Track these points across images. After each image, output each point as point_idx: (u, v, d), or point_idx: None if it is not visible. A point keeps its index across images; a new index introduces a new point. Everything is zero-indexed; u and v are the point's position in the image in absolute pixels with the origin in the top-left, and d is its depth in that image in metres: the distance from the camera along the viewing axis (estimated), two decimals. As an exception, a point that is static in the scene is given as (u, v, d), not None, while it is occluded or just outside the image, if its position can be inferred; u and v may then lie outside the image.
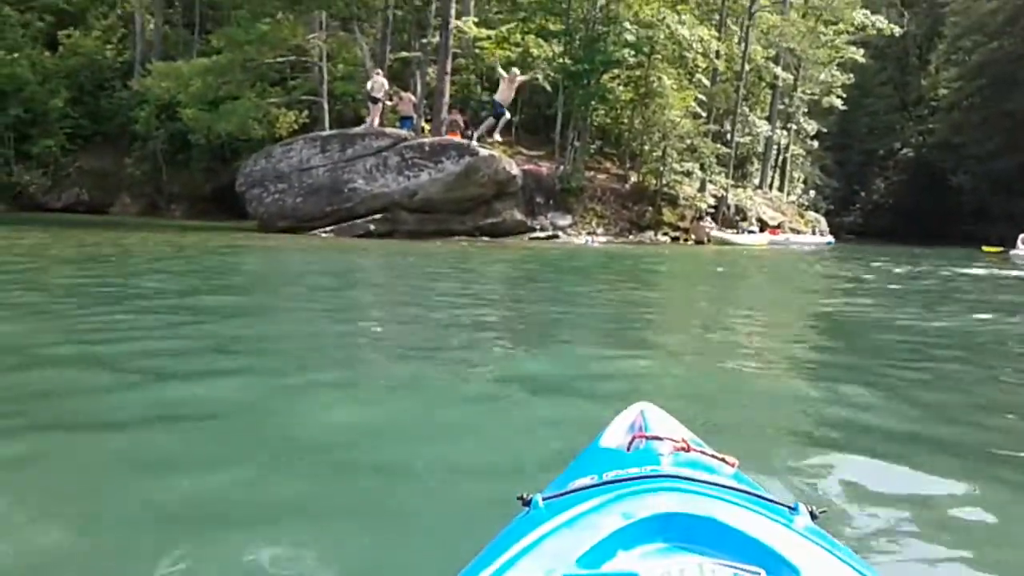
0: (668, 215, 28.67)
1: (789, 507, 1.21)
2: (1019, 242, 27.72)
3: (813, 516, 1.20)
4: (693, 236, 28.16)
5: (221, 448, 3.03)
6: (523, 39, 27.98)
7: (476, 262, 14.72)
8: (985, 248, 28.48)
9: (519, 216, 23.71)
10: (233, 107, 24.81)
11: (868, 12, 38.12)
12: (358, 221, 21.46)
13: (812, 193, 47.29)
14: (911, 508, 2.52)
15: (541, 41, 27.87)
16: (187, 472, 2.72)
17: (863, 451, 3.13)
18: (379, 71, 23.63)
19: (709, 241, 27.59)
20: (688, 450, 1.41)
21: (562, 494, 1.26)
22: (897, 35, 41.40)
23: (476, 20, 27.85)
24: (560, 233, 24.59)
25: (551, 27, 28.44)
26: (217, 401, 3.70)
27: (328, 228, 21.24)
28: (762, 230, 31.23)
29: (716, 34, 30.29)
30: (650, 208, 28.33)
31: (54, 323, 5.86)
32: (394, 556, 2.13)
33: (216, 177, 29.83)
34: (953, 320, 8.38)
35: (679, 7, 29.52)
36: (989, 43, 49.40)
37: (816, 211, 42.51)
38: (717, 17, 32.54)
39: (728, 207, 31.06)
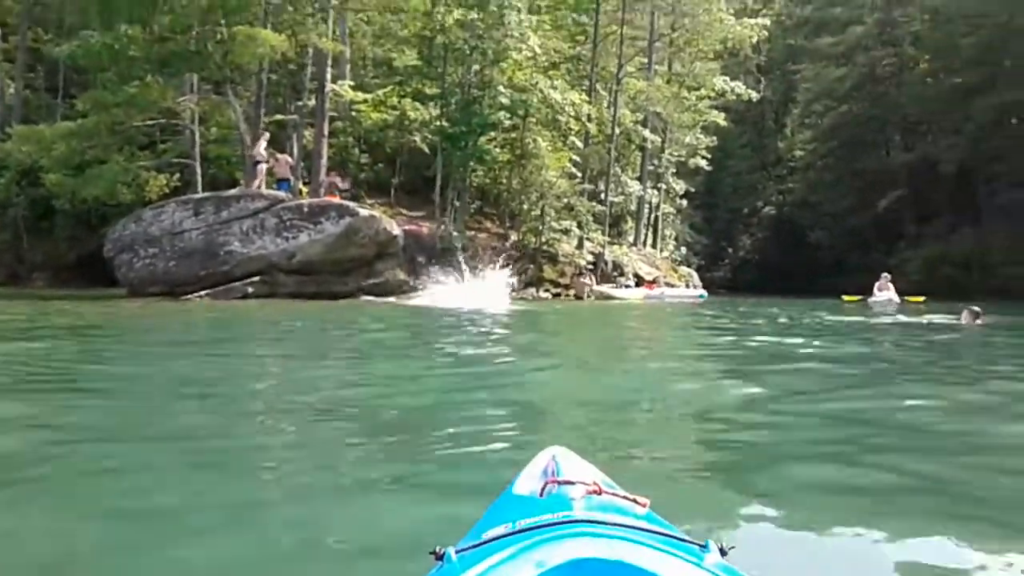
0: (549, 272, 29.18)
1: (700, 545, 1.22)
2: (875, 290, 29.40)
3: (723, 552, 1.22)
4: (574, 291, 28.70)
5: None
6: (400, 102, 28.31)
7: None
8: (845, 297, 30.01)
9: (401, 276, 23.63)
10: (100, 171, 23.93)
11: (727, 78, 40.33)
12: (235, 284, 20.94)
13: (683, 249, 49.03)
14: (818, 541, 2.59)
15: (418, 104, 28.27)
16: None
17: (768, 485, 3.21)
18: (265, 134, 23.44)
19: (590, 296, 28.11)
20: (600, 493, 1.42)
21: (475, 545, 1.25)
22: (755, 100, 43.88)
23: (352, 84, 28.03)
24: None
25: (427, 91, 28.93)
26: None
27: (203, 292, 20.62)
28: (638, 284, 32.10)
29: (587, 98, 31.42)
30: (531, 265, 28.78)
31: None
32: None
33: (81, 244, 28.53)
34: (837, 345, 8.83)
35: (551, 72, 30.57)
36: (839, 107, 52.79)
37: (688, 266, 44.03)
38: (587, 82, 33.75)
39: (606, 263, 31.85)
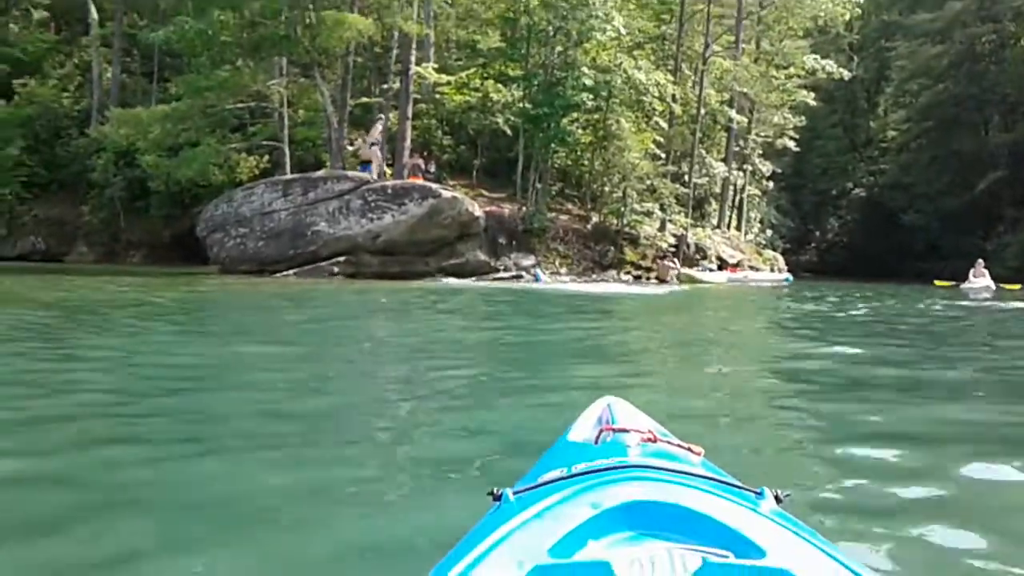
0: (630, 254, 28.95)
1: (755, 492, 1.23)
2: (970, 276, 28.36)
3: (778, 500, 1.22)
4: (656, 274, 28.41)
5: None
6: (483, 84, 28.34)
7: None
8: (937, 282, 29.05)
9: (482, 257, 23.80)
10: (193, 153, 24.66)
11: (818, 57, 39.16)
12: (322, 264, 21.40)
13: (769, 232, 47.99)
14: (876, 493, 2.57)
15: (500, 86, 28.25)
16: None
17: (829, 440, 3.18)
18: (381, 117, 24.03)
19: (679, 280, 27.70)
20: (655, 441, 1.44)
21: (532, 488, 1.27)
22: (846, 79, 42.52)
23: (436, 66, 28.16)
24: (523, 273, 24.66)
25: (510, 72, 28.85)
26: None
27: (291, 271, 21.12)
28: (721, 268, 31.59)
29: (672, 79, 30.93)
30: (612, 247, 28.60)
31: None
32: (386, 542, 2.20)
33: (175, 223, 29.52)
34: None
35: (635, 53, 30.19)
36: (934, 86, 50.81)
37: (773, 250, 43.12)
38: (672, 62, 33.23)
39: (688, 246, 31.42)
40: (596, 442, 1.50)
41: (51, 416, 3.98)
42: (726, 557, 1.01)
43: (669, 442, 1.45)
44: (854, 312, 14.45)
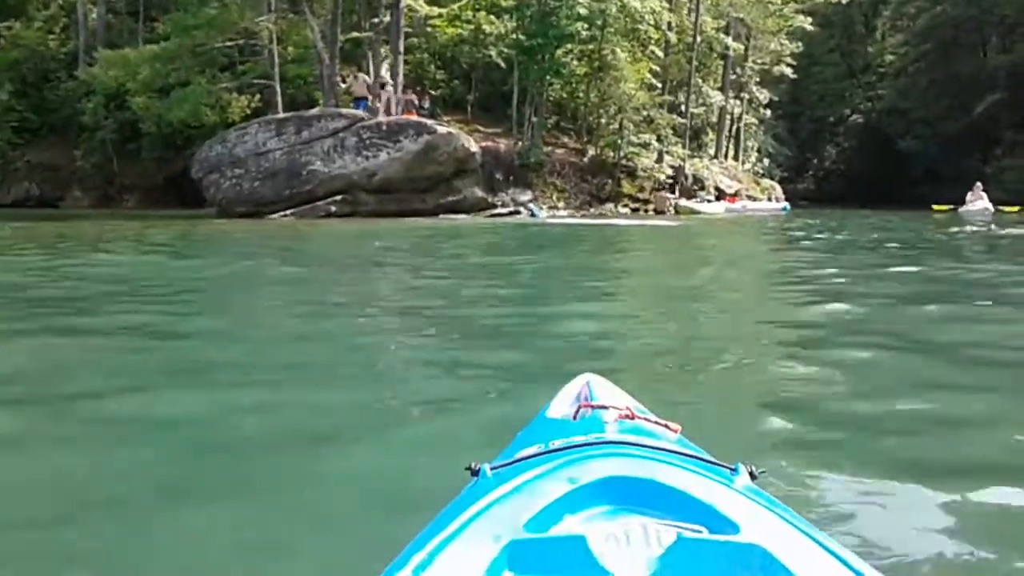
0: (627, 187, 28.83)
1: (730, 468, 1.23)
2: (967, 199, 28.28)
3: (753, 476, 1.23)
4: (654, 207, 28.32)
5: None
6: (475, 16, 27.85)
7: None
8: (935, 207, 28.97)
9: (480, 193, 23.67)
10: (184, 94, 24.33)
11: (815, -21, 38.51)
12: (318, 203, 21.29)
13: (766, 161, 47.71)
14: (850, 470, 2.51)
15: (493, 18, 27.77)
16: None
17: (805, 416, 3.12)
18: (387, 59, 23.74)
19: (676, 211, 27.62)
20: (632, 418, 1.44)
21: (509, 463, 1.28)
22: (844, 2, 41.86)
23: (427, -2, 27.62)
24: (521, 209, 24.56)
25: (503, 3, 28.32)
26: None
27: (288, 212, 21.03)
28: (719, 199, 31.48)
29: (667, 5, 30.41)
30: (609, 180, 28.47)
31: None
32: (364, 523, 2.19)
33: (169, 165, 29.26)
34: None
35: (630, -21, 29.59)
36: (933, 8, 49.95)
37: (771, 179, 42.93)
38: (667, -12, 32.61)
39: (686, 177, 31.27)
40: (574, 418, 1.51)
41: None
42: (700, 532, 1.02)
43: (646, 419, 1.46)
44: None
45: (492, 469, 1.26)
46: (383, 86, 23.11)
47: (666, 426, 1.44)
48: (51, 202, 29.76)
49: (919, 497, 2.28)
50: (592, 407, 1.52)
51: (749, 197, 34.13)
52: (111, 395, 3.36)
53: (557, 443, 1.29)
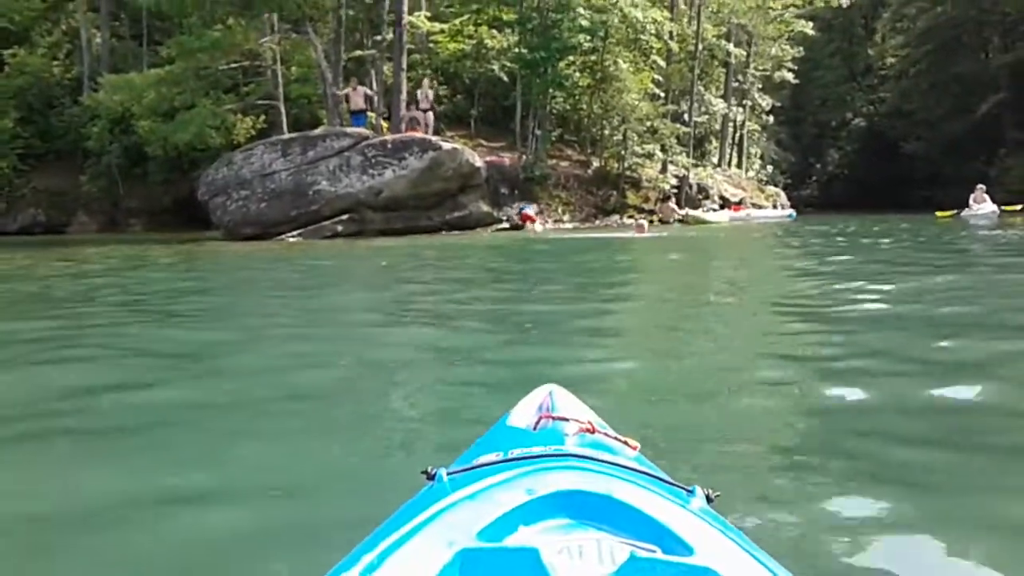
0: (632, 198, 28.85)
1: (686, 489, 1.23)
2: (970, 202, 28.02)
3: (709, 499, 1.22)
4: (659, 217, 28.32)
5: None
6: (476, 31, 27.98)
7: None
8: (938, 214, 28.60)
9: (485, 208, 23.69)
10: (189, 116, 24.43)
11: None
12: (325, 223, 21.29)
13: (770, 168, 47.80)
14: (805, 498, 2.44)
15: (495, 32, 27.89)
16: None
17: (766, 443, 3.04)
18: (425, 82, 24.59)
19: (682, 221, 27.59)
20: (593, 432, 1.44)
21: (466, 469, 1.27)
22: (843, 6, 41.96)
23: (429, 15, 27.77)
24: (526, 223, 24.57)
25: (504, 17, 28.45)
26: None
27: (295, 232, 21.06)
28: (724, 207, 31.48)
29: (668, 15, 30.50)
30: (614, 192, 28.50)
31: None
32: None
33: (175, 189, 29.38)
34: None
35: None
36: (932, 9, 50.05)
37: (775, 185, 42.97)
38: (667, -2, 32.73)
39: (690, 186, 31.30)
40: (535, 428, 1.51)
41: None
42: (654, 552, 1.01)
43: (607, 434, 1.45)
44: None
45: (449, 474, 1.25)
46: (425, 111, 23.61)
47: (625, 442, 1.44)
48: (58, 228, 29.88)
49: (877, 526, 2.22)
50: (553, 418, 1.52)
51: (754, 204, 34.14)
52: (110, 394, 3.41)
53: (516, 452, 1.29)
